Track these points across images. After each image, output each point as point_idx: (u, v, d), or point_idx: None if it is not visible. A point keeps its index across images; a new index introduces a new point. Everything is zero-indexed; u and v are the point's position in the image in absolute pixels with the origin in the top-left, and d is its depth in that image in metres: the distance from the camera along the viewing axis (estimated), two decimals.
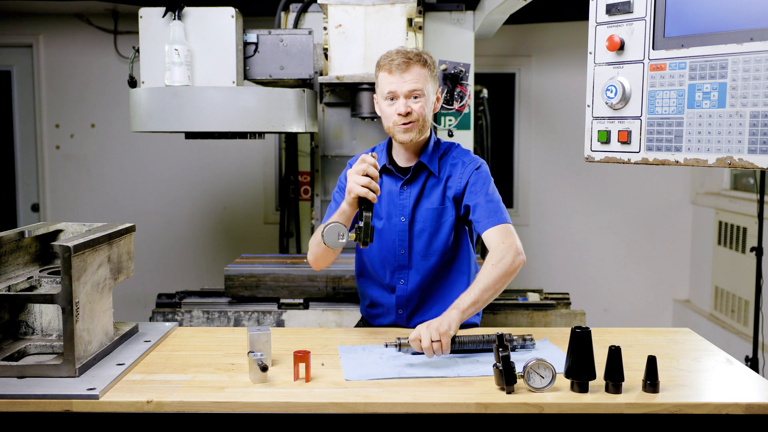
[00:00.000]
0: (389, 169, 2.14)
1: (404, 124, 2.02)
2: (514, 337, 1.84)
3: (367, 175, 1.84)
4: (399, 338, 1.77)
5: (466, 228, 2.18)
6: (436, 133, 3.21)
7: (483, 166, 2.13)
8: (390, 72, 2.00)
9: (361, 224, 1.82)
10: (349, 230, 1.90)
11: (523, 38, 4.92)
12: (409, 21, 2.92)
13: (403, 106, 2.00)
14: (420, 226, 2.12)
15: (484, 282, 1.87)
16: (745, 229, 4.33)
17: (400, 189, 2.13)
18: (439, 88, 2.13)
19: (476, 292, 1.86)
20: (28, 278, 1.81)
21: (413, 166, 2.12)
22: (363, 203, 1.84)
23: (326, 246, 1.83)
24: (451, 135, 3.26)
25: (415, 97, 2.01)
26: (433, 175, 2.12)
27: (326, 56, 2.87)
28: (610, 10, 1.53)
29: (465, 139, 3.45)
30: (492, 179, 2.13)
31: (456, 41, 3.42)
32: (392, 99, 2.02)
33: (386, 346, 1.75)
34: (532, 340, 1.86)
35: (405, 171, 2.14)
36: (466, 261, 2.19)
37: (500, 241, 1.97)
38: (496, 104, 4.71)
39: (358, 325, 2.36)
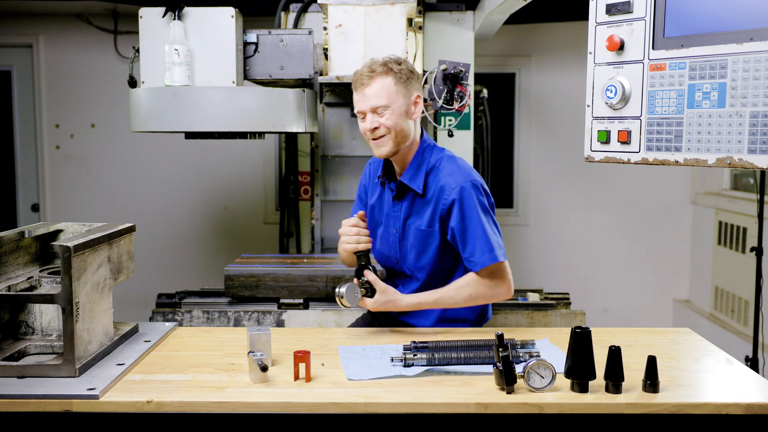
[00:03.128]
0: (383, 181, 2.16)
1: (375, 139, 2.03)
2: (521, 353, 1.75)
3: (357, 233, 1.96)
4: (405, 353, 1.73)
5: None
6: (435, 133, 3.21)
7: (465, 193, 2.01)
8: (356, 90, 2.03)
9: (365, 280, 1.98)
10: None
11: (523, 38, 4.92)
12: (409, 21, 2.92)
13: (369, 122, 2.02)
14: (410, 242, 2.12)
15: (448, 301, 2.03)
16: (745, 229, 4.33)
17: (392, 201, 2.15)
18: (418, 94, 2.06)
19: (432, 301, 2.03)
20: (28, 278, 1.81)
21: (397, 184, 2.12)
22: (361, 258, 2.00)
23: (347, 305, 1.96)
24: (451, 135, 3.25)
25: (380, 112, 2.00)
26: (419, 194, 2.09)
27: (326, 56, 2.87)
28: (610, 10, 1.53)
29: (465, 139, 3.46)
30: (480, 202, 2.02)
31: (456, 41, 3.42)
32: (362, 117, 2.04)
33: (392, 360, 1.72)
34: (533, 344, 1.85)
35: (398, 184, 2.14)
36: (461, 274, 2.14)
37: (488, 285, 2.03)
38: (496, 104, 4.71)
39: (355, 324, 2.36)
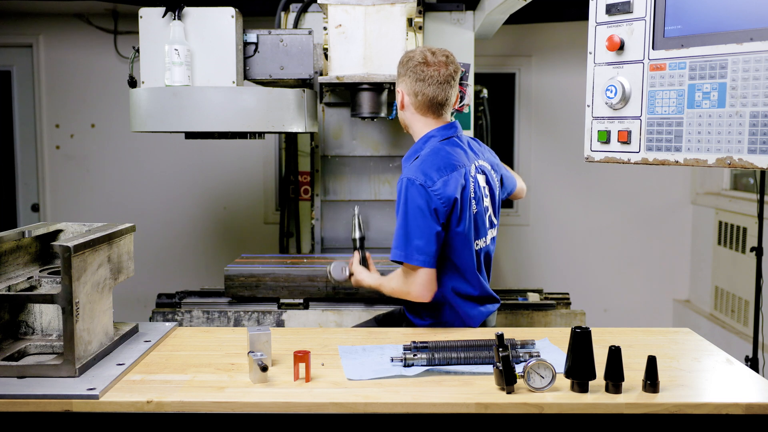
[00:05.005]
0: None
1: None
2: (521, 353, 1.75)
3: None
4: (405, 353, 1.73)
5: None
6: None
7: (400, 186, 2.04)
8: None
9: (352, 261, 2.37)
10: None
11: (523, 38, 4.92)
12: (409, 21, 2.92)
13: None
14: None
15: (384, 288, 2.18)
16: (745, 229, 4.33)
17: None
18: (399, 89, 2.19)
19: (377, 285, 2.22)
20: (28, 278, 1.81)
21: None
22: (354, 243, 2.45)
23: (335, 280, 2.35)
24: None
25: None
26: None
27: (326, 56, 2.87)
28: (610, 10, 1.53)
29: None
30: (410, 199, 2.00)
31: (456, 41, 3.42)
32: None
33: (392, 360, 1.72)
34: (533, 344, 1.85)
35: None
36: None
37: (402, 282, 2.08)
38: (496, 104, 4.71)
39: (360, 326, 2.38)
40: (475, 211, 2.12)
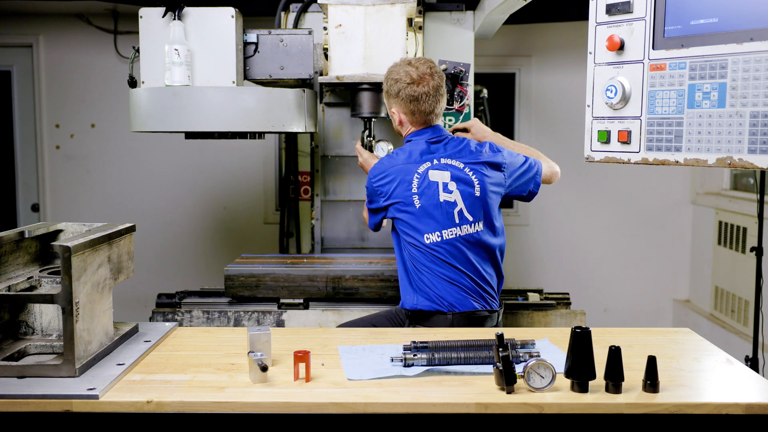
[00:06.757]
0: None
1: None
2: (521, 353, 1.74)
3: None
4: (405, 353, 1.72)
5: (395, 231, 2.41)
6: None
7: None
8: None
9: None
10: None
11: (523, 38, 4.92)
12: (409, 21, 2.92)
13: None
14: None
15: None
16: (745, 229, 4.34)
17: None
18: (396, 110, 2.39)
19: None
20: (28, 278, 1.81)
21: None
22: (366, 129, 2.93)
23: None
24: None
25: None
26: None
27: (326, 56, 2.87)
28: (610, 10, 1.53)
29: None
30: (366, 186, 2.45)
31: (456, 41, 3.42)
32: None
33: (392, 360, 1.72)
34: (533, 344, 1.85)
35: None
36: (399, 256, 2.40)
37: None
38: (496, 104, 4.71)
39: (355, 323, 2.41)
40: (418, 204, 2.27)
